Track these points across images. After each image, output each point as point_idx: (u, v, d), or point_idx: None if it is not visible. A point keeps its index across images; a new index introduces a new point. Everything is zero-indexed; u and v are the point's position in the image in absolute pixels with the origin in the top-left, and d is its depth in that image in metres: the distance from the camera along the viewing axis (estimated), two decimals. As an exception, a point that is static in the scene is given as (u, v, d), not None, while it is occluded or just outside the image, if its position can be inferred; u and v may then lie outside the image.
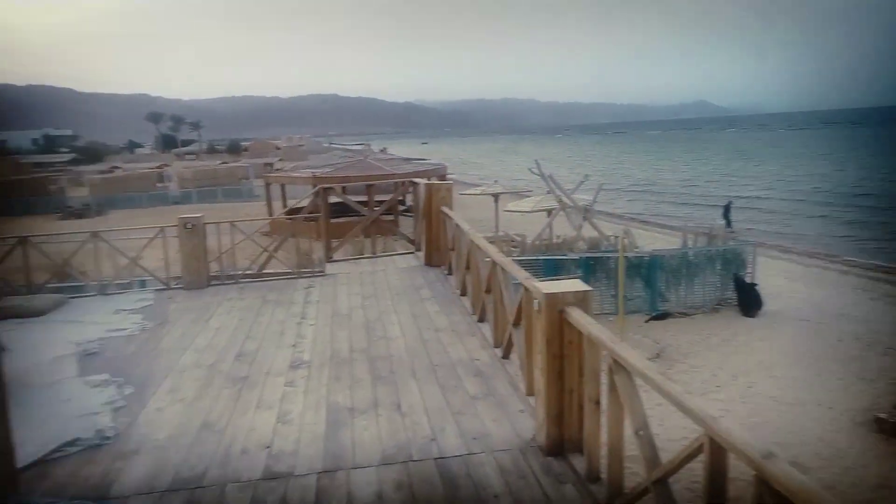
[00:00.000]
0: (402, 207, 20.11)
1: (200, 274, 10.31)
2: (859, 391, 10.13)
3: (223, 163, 65.25)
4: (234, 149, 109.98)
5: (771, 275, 16.72)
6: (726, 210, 25.66)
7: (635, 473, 3.77)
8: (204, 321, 8.37)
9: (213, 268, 10.78)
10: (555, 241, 16.56)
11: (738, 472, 2.69)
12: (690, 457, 2.83)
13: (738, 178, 53.99)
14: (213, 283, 10.45)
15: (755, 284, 14.41)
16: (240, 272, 10.83)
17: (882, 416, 8.99)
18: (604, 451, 3.93)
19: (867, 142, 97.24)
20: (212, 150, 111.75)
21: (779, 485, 2.13)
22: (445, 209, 10.28)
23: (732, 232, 18.48)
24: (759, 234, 25.43)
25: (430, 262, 10.86)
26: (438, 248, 10.65)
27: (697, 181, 53.09)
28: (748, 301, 14.15)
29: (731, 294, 14.56)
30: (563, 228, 18.60)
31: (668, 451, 3.35)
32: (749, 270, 14.78)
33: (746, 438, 2.39)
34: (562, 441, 4.44)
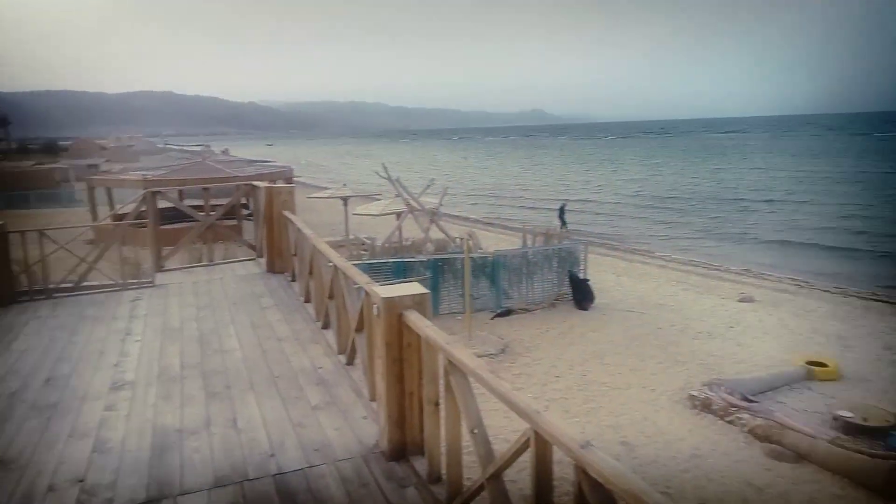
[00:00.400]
0: (246, 212, 19.20)
1: (2, 289, 9.06)
2: (676, 373, 11.27)
3: (37, 164, 58.23)
4: (51, 149, 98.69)
5: (601, 271, 18.13)
6: (561, 212, 27.47)
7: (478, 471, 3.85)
8: (6, 344, 7.34)
9: (22, 282, 9.54)
10: (404, 243, 16.69)
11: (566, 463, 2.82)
12: (519, 452, 2.92)
13: (571, 182, 58.13)
14: (21, 299, 9.24)
15: (587, 280, 15.53)
16: (53, 286, 9.67)
17: (694, 393, 10.07)
18: (444, 452, 3.96)
19: (680, 149, 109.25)
20: (23, 151, 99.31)
21: (594, 472, 2.25)
22: (288, 213, 9.91)
23: (567, 232, 19.79)
24: (589, 233, 27.53)
25: (272, 269, 10.42)
26: (281, 253, 10.25)
27: (534, 185, 56.33)
28: (582, 295, 15.21)
29: (567, 289, 15.56)
30: (412, 231, 18.81)
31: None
32: (582, 267, 15.90)
33: (567, 431, 2.50)
34: (404, 445, 4.42)
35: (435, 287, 14.13)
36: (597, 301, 15.33)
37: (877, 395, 10.15)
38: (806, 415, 9.54)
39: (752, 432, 8.88)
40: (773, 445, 8.53)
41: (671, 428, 9.27)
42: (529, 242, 16.76)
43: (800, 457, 8.30)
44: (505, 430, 6.44)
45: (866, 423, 8.88)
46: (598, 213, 37.57)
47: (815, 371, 10.94)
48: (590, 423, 9.37)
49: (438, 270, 14.60)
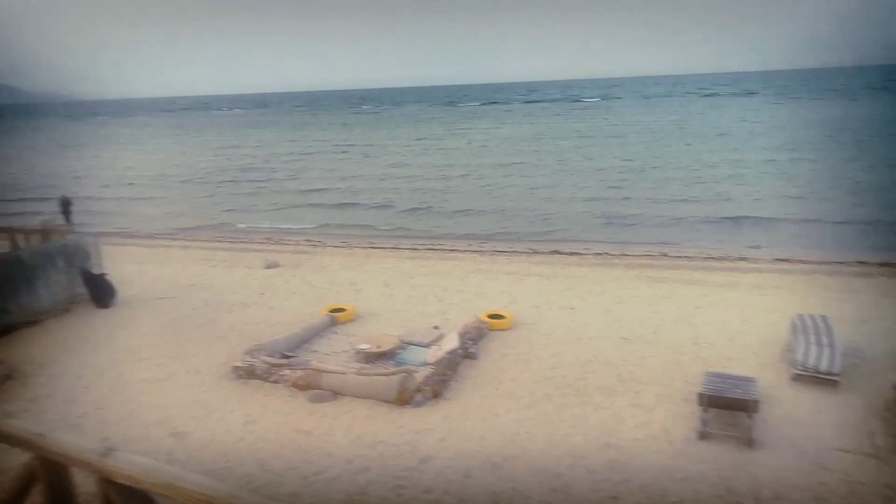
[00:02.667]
0: None
1: None
2: (217, 349, 11.24)
3: None
4: None
5: (120, 262, 16.54)
6: (64, 205, 23.91)
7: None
8: None
9: None
10: None
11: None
12: (26, 486, 2.42)
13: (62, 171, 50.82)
14: None
15: (105, 274, 13.98)
16: None
17: (237, 364, 10.24)
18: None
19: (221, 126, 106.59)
20: None
21: (122, 476, 2.02)
22: None
23: (71, 227, 17.34)
24: (102, 224, 24.81)
25: None
26: None
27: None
28: (100, 292, 13.64)
29: (83, 289, 13.72)
30: None
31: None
32: (96, 262, 14.20)
33: (83, 445, 2.17)
34: None
35: None
36: (120, 295, 13.99)
37: (385, 326, 12.19)
38: (336, 356, 10.81)
39: (295, 385, 9.59)
40: (315, 391, 9.41)
41: (221, 404, 9.27)
42: (22, 243, 14.05)
43: (336, 393, 9.38)
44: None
45: (380, 350, 10.61)
46: (116, 200, 34.03)
47: (337, 317, 12.44)
48: (132, 426, 8.61)
49: None
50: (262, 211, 29.48)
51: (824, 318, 10.35)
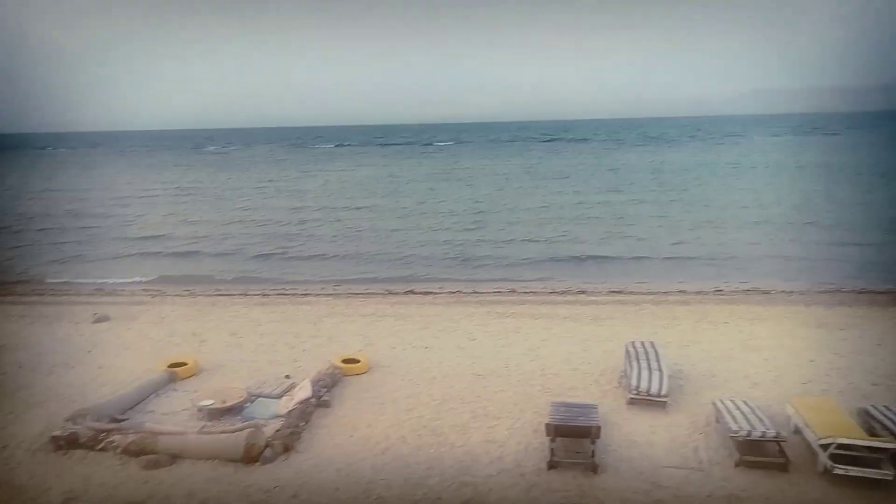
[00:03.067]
0: None
1: None
2: (32, 418, 9.91)
3: None
4: None
5: None
6: None
7: None
8: None
9: None
10: None
11: None
12: None
13: None
14: None
15: None
16: None
17: (56, 433, 9.07)
18: None
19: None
20: None
21: None
22: None
23: None
24: None
25: None
26: None
27: None
28: None
29: None
30: None
31: None
32: None
33: None
34: None
35: None
36: None
37: (231, 378, 11.44)
38: (175, 415, 9.95)
39: (126, 451, 8.66)
40: (149, 456, 8.55)
41: (34, 482, 8.14)
42: None
43: (175, 457, 8.58)
44: None
45: (225, 405, 9.93)
46: None
47: (177, 372, 11.51)
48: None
49: None
50: (92, 261, 26.82)
51: (653, 344, 11.30)
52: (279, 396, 10.41)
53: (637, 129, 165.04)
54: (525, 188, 46.75)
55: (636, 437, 9.01)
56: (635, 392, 9.97)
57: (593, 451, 8.29)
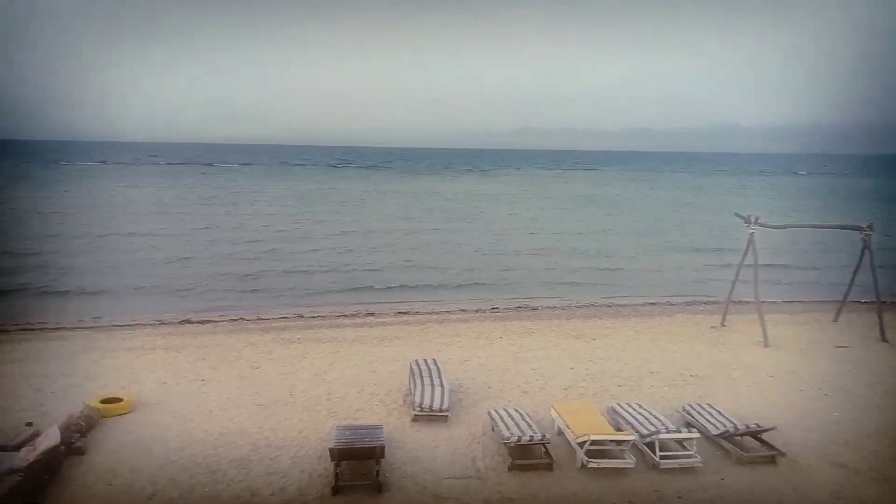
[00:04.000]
0: None
1: None
2: None
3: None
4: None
5: None
6: None
7: None
8: None
9: None
10: None
11: None
12: None
13: None
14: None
15: None
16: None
17: None
18: None
19: None
20: None
21: None
22: None
23: None
24: None
25: None
26: None
27: None
28: None
29: None
30: None
31: None
32: None
33: None
34: None
35: None
36: None
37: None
38: None
39: None
40: None
41: None
42: None
43: None
44: None
45: None
46: None
47: None
48: None
49: None
50: None
51: (435, 361, 11.75)
52: (18, 447, 8.87)
53: (428, 159, 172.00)
54: (316, 214, 46.08)
55: (419, 453, 9.23)
56: (419, 408, 10.24)
57: (378, 472, 8.32)
